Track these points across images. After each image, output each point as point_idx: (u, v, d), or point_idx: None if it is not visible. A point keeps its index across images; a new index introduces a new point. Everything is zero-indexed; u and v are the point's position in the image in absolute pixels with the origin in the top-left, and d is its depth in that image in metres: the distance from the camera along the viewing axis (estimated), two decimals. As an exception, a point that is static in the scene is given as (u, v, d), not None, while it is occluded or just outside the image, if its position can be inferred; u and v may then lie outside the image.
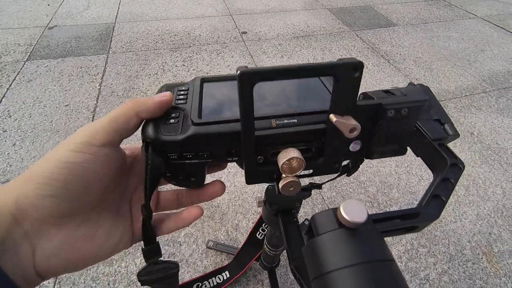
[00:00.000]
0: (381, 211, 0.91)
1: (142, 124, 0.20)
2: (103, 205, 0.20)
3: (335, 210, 0.18)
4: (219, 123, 0.20)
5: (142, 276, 0.25)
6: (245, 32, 1.80)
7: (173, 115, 0.21)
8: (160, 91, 0.23)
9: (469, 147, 1.13)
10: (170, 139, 0.19)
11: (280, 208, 0.38)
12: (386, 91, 0.27)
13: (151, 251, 0.21)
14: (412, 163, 1.05)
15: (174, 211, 0.24)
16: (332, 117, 0.19)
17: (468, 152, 1.11)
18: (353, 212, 0.17)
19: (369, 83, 1.44)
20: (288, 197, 0.36)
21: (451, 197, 0.94)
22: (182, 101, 0.23)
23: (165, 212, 0.24)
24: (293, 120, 0.21)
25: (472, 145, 1.14)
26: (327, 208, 0.90)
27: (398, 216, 0.20)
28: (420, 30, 1.93)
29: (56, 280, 0.70)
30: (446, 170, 0.22)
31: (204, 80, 0.25)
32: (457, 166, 0.22)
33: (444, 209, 0.21)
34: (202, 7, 2.08)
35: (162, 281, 0.27)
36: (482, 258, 0.81)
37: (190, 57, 1.54)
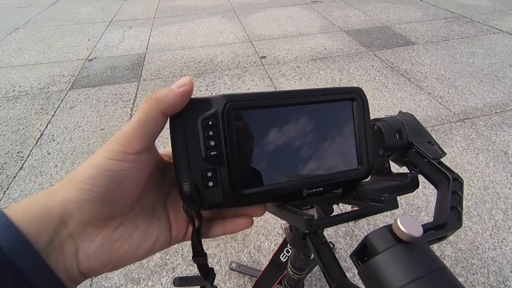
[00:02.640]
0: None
1: (182, 187, 0.21)
2: (140, 207, 0.21)
3: (390, 227, 0.18)
4: (261, 195, 0.23)
5: None
6: (264, 57, 1.89)
7: (209, 174, 0.21)
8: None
9: (503, 168, 1.06)
10: (214, 206, 0.22)
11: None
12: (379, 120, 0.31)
13: (202, 263, 0.24)
14: (440, 185, 1.01)
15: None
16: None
17: (503, 173, 1.04)
18: (410, 226, 0.17)
19: (390, 101, 1.43)
20: None
21: (487, 221, 0.88)
22: (214, 151, 0.21)
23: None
24: (320, 189, 0.25)
25: (507, 165, 1.07)
26: (351, 231, 0.87)
27: (432, 228, 0.22)
28: (441, 48, 1.91)
29: (91, 284, 0.74)
30: (451, 184, 0.25)
31: (234, 108, 0.22)
32: (458, 180, 0.25)
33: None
34: (223, 35, 2.23)
35: None
36: (529, 291, 0.73)
37: (213, 81, 1.64)
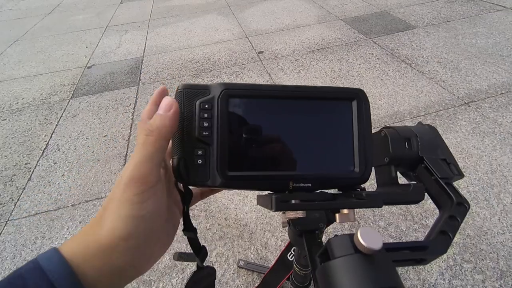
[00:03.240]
0: (415, 224, 0.86)
1: (172, 161, 0.23)
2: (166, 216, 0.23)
3: (352, 236, 0.19)
4: (245, 179, 0.23)
5: None
6: (262, 52, 1.87)
7: (200, 152, 0.23)
8: (177, 93, 0.24)
9: (510, 150, 1.04)
10: (200, 183, 0.23)
11: (304, 229, 0.39)
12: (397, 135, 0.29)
13: (192, 237, 0.26)
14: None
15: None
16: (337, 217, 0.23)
17: (510, 155, 1.02)
18: (370, 239, 0.18)
19: (391, 89, 1.40)
20: (310, 218, 0.37)
21: (496, 205, 0.86)
22: (206, 132, 0.23)
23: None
24: (308, 185, 0.24)
25: (515, 147, 1.05)
26: (355, 229, 0.87)
27: (408, 248, 0.21)
28: (443, 30, 1.86)
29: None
30: (453, 208, 0.24)
31: (229, 95, 0.24)
32: (463, 206, 0.24)
33: (450, 246, 0.22)
34: (219, 32, 2.21)
35: None
36: (540, 274, 0.73)
37: (212, 80, 1.63)
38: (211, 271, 0.35)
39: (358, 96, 0.26)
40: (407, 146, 0.28)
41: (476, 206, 0.89)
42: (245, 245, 0.85)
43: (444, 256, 0.78)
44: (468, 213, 0.76)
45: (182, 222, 0.25)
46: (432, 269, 0.76)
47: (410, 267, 0.76)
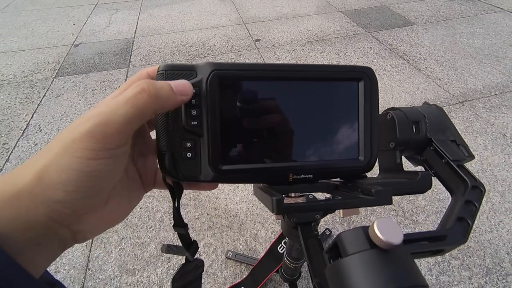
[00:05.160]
0: (406, 220, 0.86)
1: (158, 155, 0.20)
2: (120, 181, 0.20)
3: (366, 229, 0.16)
4: (240, 173, 0.21)
5: (175, 281, 0.27)
6: (259, 40, 1.81)
7: (189, 145, 0.20)
8: (158, 75, 0.20)
9: (502, 150, 1.05)
10: (191, 179, 0.21)
11: (299, 221, 0.37)
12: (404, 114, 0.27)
13: (182, 233, 0.24)
14: (438, 168, 1.00)
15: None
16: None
17: (501, 155, 1.03)
18: (388, 232, 0.15)
19: (388, 85, 1.39)
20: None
21: (484, 204, 0.86)
22: (195, 121, 0.20)
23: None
24: (309, 176, 0.23)
25: (506, 148, 1.06)
26: (349, 218, 0.86)
27: (425, 238, 0.20)
28: (441, 28, 1.85)
29: (85, 277, 0.72)
30: (468, 192, 0.22)
31: (219, 77, 0.20)
32: (479, 189, 0.22)
33: (471, 233, 0.21)
34: (216, 17, 2.13)
35: (192, 284, 0.28)
36: (524, 272, 0.74)
37: (206, 67, 1.58)
38: (200, 264, 0.32)
39: (366, 76, 0.23)
40: (414, 130, 0.26)
41: (465, 204, 0.89)
42: (234, 236, 0.83)
43: (433, 252, 0.79)
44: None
45: (172, 218, 0.23)
46: (420, 265, 0.76)
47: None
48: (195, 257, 0.26)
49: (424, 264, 0.76)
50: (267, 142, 0.22)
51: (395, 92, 1.34)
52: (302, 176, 0.23)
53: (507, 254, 0.77)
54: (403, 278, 0.15)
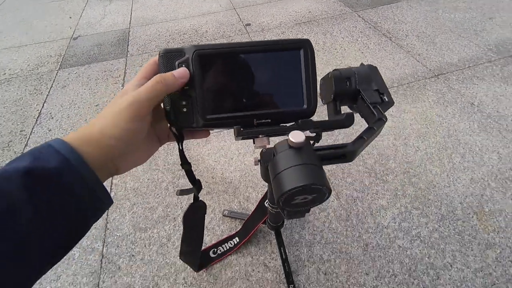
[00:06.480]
0: (377, 180, 0.99)
1: (165, 110, 0.29)
2: (145, 137, 0.29)
3: (287, 140, 0.26)
4: (220, 120, 0.29)
5: (186, 217, 0.39)
6: (249, 24, 1.88)
7: (184, 103, 0.29)
8: (159, 57, 0.29)
9: (468, 117, 1.16)
10: (187, 126, 0.30)
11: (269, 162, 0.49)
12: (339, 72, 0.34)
13: (188, 169, 0.35)
14: (409, 136, 1.12)
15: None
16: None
17: (467, 122, 1.15)
18: (296, 137, 0.25)
19: (371, 62, 1.48)
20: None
21: (446, 164, 0.99)
22: (186, 86, 0.28)
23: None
24: (268, 120, 0.30)
25: (472, 115, 1.17)
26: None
27: (332, 147, 0.29)
28: (425, 4, 1.90)
29: (103, 243, 0.88)
30: (374, 122, 0.30)
31: (199, 55, 0.28)
32: (382, 120, 0.30)
33: (364, 146, 0.30)
34: (206, 3, 2.19)
35: (197, 223, 0.41)
36: (472, 217, 0.88)
37: (199, 53, 1.67)
38: (203, 205, 0.45)
39: (304, 46, 0.30)
40: (348, 84, 0.33)
41: (430, 165, 1.02)
42: (230, 198, 0.97)
43: (398, 204, 0.92)
44: (421, 171, 0.89)
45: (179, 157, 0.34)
46: (386, 215, 0.90)
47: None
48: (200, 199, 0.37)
49: (389, 215, 0.90)
50: (237, 98, 0.30)
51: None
52: (263, 120, 0.30)
53: (460, 203, 0.91)
54: (303, 159, 0.24)
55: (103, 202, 0.24)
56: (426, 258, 0.80)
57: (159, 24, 1.99)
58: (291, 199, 0.24)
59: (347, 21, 1.82)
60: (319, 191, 0.23)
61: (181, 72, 0.28)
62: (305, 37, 1.72)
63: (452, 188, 0.95)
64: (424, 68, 1.42)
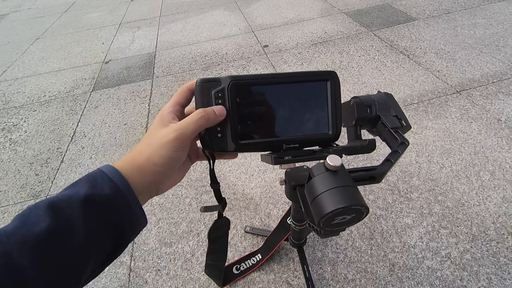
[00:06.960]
0: (401, 197, 0.97)
1: (200, 135, 0.31)
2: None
3: (324, 162, 0.27)
4: (252, 145, 0.32)
5: (211, 233, 0.41)
6: (267, 46, 1.97)
7: (219, 129, 0.31)
8: (197, 86, 0.31)
9: (495, 133, 1.13)
10: (220, 150, 0.32)
11: (297, 184, 0.51)
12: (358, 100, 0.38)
13: (216, 189, 0.37)
14: (433, 152, 1.09)
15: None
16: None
17: (494, 138, 1.11)
18: (333, 161, 0.26)
19: (388, 79, 1.49)
20: (300, 174, 0.49)
21: (475, 182, 0.97)
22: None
23: None
24: (296, 145, 0.33)
25: (499, 131, 1.14)
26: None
27: (363, 169, 0.31)
28: (442, 21, 1.91)
29: (131, 258, 0.91)
30: (397, 146, 0.32)
31: (235, 85, 0.31)
32: (404, 144, 0.32)
33: (392, 167, 0.31)
34: (226, 27, 2.32)
35: (221, 238, 0.42)
36: (507, 238, 0.83)
37: (220, 73, 1.76)
38: (227, 221, 0.47)
39: (331, 77, 0.33)
40: (368, 111, 0.36)
41: (457, 182, 0.99)
42: (251, 214, 0.99)
43: (424, 223, 0.89)
44: (448, 189, 0.88)
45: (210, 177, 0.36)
46: (412, 234, 0.87)
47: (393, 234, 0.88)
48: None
49: (415, 234, 0.87)
50: (268, 125, 0.32)
51: (395, 86, 1.44)
52: (292, 145, 0.33)
53: (492, 223, 0.87)
54: (340, 182, 0.25)
55: (139, 224, 0.27)
56: (458, 281, 0.76)
57: (183, 48, 2.12)
58: (331, 219, 0.25)
59: (363, 40, 1.86)
60: (358, 211, 0.25)
61: (220, 110, 0.30)
62: (321, 56, 1.77)
63: (483, 207, 0.91)
64: (445, 84, 1.41)
